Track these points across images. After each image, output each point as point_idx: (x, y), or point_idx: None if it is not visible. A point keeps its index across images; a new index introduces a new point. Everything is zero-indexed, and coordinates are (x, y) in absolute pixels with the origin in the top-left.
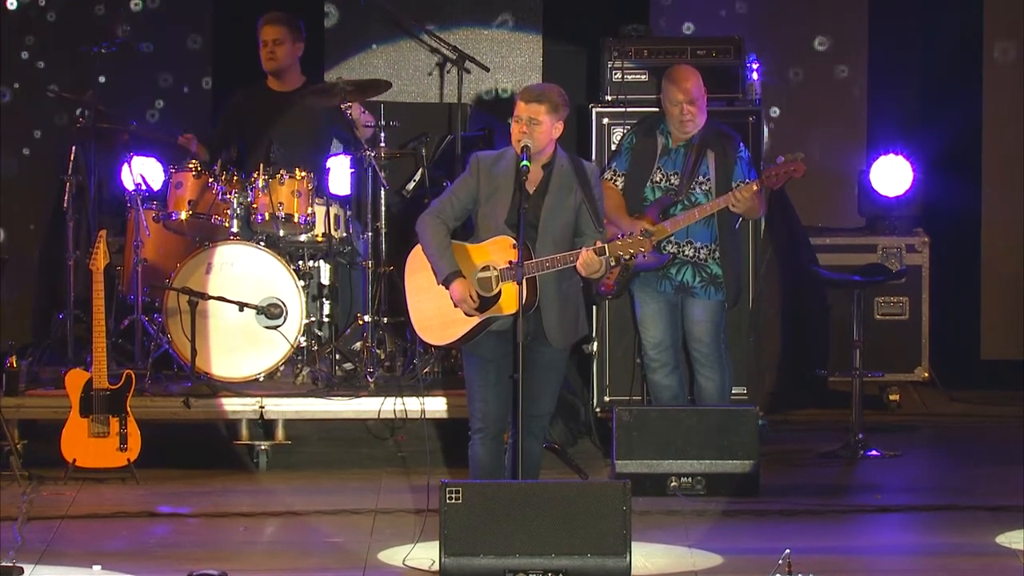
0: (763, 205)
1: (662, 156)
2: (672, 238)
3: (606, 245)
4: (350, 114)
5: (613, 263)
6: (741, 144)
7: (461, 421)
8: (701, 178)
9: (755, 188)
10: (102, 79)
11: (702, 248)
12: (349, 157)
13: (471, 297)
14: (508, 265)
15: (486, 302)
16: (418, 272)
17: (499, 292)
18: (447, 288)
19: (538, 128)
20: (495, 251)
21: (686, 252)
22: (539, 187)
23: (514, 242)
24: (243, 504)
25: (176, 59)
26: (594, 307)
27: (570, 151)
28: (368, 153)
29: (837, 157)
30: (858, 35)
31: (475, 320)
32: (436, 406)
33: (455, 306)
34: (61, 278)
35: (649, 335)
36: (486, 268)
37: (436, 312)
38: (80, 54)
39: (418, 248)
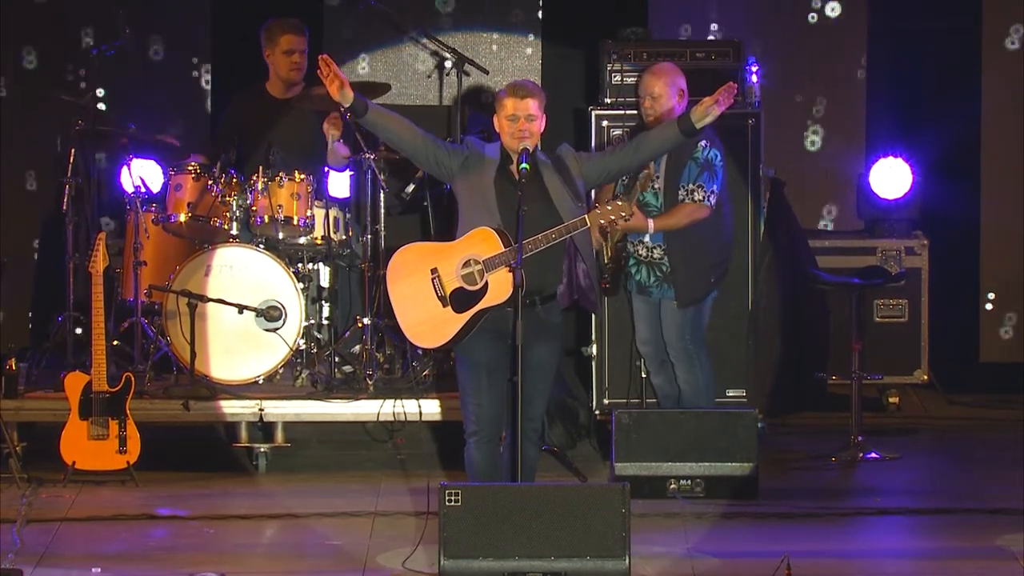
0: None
1: None
2: (626, 237)
3: (586, 216)
4: (329, 132)
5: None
6: (703, 144)
7: (459, 423)
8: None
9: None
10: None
11: (655, 248)
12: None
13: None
14: (491, 256)
15: (473, 297)
16: (401, 280)
17: (485, 284)
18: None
19: (535, 124)
20: (474, 244)
21: (639, 252)
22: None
23: (493, 231)
24: (242, 507)
25: (175, 62)
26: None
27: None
28: (367, 156)
29: (836, 160)
30: (857, 38)
31: (466, 317)
32: (435, 408)
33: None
34: (60, 280)
35: (637, 333)
36: (468, 263)
37: (425, 316)
38: (80, 56)
39: (397, 257)
